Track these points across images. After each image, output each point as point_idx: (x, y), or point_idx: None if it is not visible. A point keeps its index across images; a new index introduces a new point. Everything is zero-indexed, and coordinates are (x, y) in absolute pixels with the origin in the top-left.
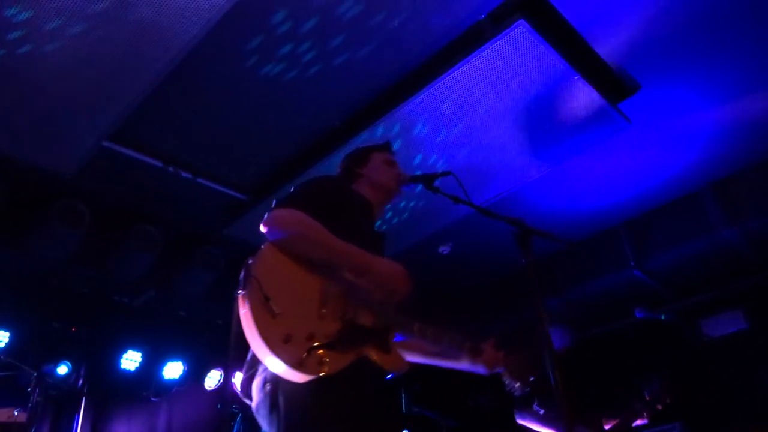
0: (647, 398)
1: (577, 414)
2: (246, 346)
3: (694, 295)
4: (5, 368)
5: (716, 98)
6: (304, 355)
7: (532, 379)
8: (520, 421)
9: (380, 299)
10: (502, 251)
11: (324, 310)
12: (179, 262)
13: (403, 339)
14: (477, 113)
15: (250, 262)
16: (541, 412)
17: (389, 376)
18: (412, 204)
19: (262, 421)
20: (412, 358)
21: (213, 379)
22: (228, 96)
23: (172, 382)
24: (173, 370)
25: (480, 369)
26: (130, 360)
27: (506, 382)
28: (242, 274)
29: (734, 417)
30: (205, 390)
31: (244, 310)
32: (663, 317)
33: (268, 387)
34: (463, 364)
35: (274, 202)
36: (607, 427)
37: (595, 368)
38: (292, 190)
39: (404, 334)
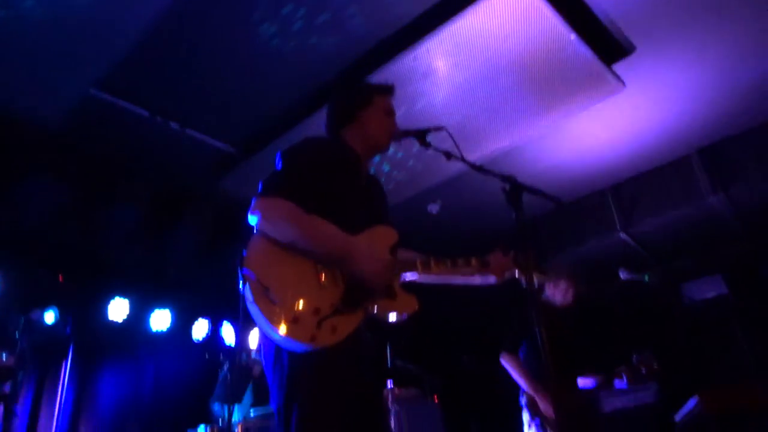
0: (634, 363)
1: (559, 371)
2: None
3: (677, 259)
4: None
5: (710, 64)
6: (315, 329)
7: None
8: (503, 362)
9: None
10: (490, 211)
11: (323, 280)
12: (167, 216)
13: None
14: (471, 71)
15: (244, 254)
16: (524, 361)
17: (403, 317)
18: (399, 163)
19: (266, 368)
20: (425, 280)
21: (201, 328)
22: (218, 48)
23: (160, 333)
24: (160, 320)
25: (491, 279)
26: (117, 310)
27: (546, 288)
28: (239, 270)
29: (710, 377)
30: (193, 341)
31: (250, 302)
32: (646, 279)
33: (271, 344)
34: (475, 279)
35: (260, 185)
36: (584, 385)
37: (576, 328)
38: (280, 163)
39: (410, 273)
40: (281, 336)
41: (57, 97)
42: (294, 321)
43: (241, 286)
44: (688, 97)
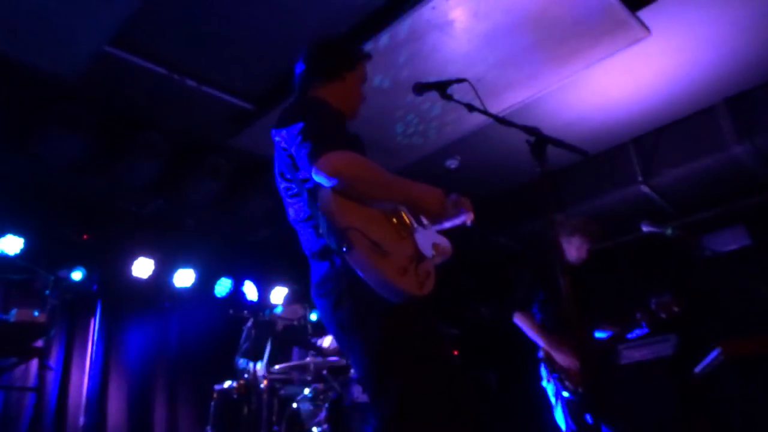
0: (653, 308)
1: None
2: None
3: (699, 211)
4: (22, 272)
5: (739, 8)
6: (422, 277)
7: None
8: (516, 321)
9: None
10: (508, 166)
11: (400, 232)
12: (186, 171)
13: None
14: (491, 20)
15: (336, 217)
16: (539, 316)
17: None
18: (420, 117)
19: (342, 332)
20: None
21: (223, 286)
22: (233, 3)
23: (184, 290)
24: (184, 278)
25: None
26: (142, 268)
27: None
28: (335, 239)
29: (732, 330)
30: (216, 297)
31: (362, 264)
32: (669, 232)
33: (351, 302)
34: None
35: (310, 145)
36: (603, 336)
37: (598, 281)
38: (312, 124)
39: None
40: (399, 291)
41: (72, 54)
42: (403, 272)
43: (344, 249)
44: (716, 43)
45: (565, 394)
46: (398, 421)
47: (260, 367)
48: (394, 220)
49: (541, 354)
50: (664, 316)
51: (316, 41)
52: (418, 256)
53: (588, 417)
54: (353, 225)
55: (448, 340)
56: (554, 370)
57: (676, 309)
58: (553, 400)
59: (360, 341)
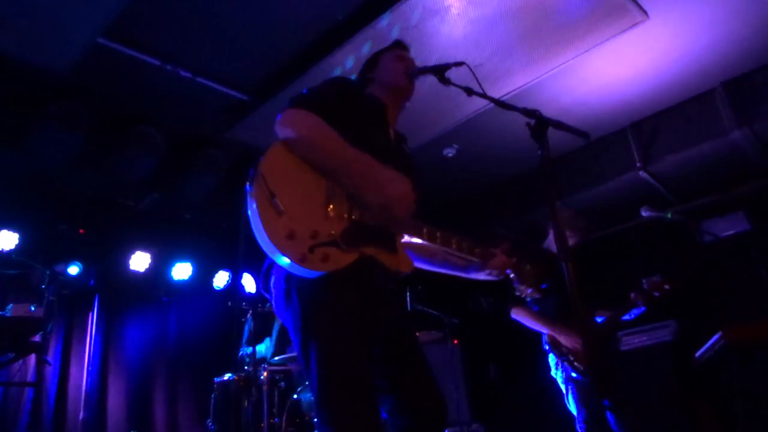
0: (645, 287)
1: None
2: (256, 247)
3: (698, 197)
4: (18, 267)
5: None
6: (306, 251)
7: (544, 286)
8: (514, 317)
9: (383, 210)
10: (507, 155)
11: (329, 210)
12: (182, 165)
13: (410, 242)
14: (488, 7)
15: (259, 158)
16: (536, 309)
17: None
18: (416, 106)
19: (280, 316)
20: (419, 263)
21: (221, 279)
22: None
23: (182, 283)
24: (182, 271)
25: (486, 275)
26: (139, 261)
27: (517, 287)
28: (251, 170)
29: (731, 315)
30: (214, 290)
31: (252, 207)
32: (668, 216)
33: (282, 284)
34: (471, 272)
35: (289, 100)
36: (599, 320)
37: (597, 268)
38: (307, 89)
39: (412, 236)
40: (274, 248)
41: (65, 46)
42: (290, 236)
43: (247, 185)
44: (715, 26)
45: (574, 374)
46: (318, 410)
47: (264, 348)
48: (332, 205)
49: (546, 344)
50: (657, 294)
51: None
52: (333, 240)
53: (606, 402)
54: (263, 170)
55: (395, 330)
56: (561, 353)
57: (667, 287)
58: (563, 387)
59: (289, 328)
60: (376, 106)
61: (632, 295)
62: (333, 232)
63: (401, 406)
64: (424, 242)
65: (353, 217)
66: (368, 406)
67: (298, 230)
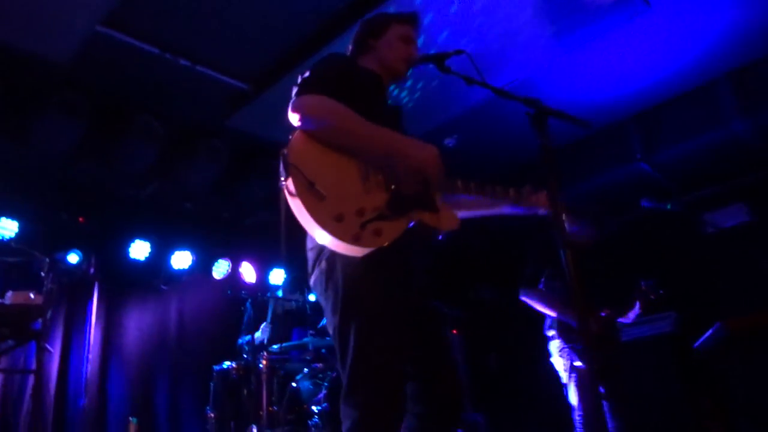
0: (643, 288)
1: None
2: (296, 237)
3: (699, 188)
4: (18, 255)
5: None
6: (359, 229)
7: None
8: (523, 298)
9: (415, 177)
10: (508, 146)
11: (368, 185)
12: (182, 154)
13: (449, 198)
14: None
15: (285, 152)
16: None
17: (441, 236)
18: (417, 95)
19: (319, 296)
20: (461, 214)
21: (221, 268)
22: None
23: (181, 272)
24: (181, 260)
25: (523, 209)
26: (139, 250)
27: (566, 224)
28: (281, 164)
29: (732, 306)
30: (214, 279)
31: (293, 198)
32: (669, 207)
33: (323, 264)
34: (507, 208)
35: (295, 88)
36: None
37: (597, 260)
38: (309, 72)
39: (449, 193)
40: (327, 234)
41: (64, 35)
42: (339, 219)
43: (282, 180)
44: (716, 15)
45: (578, 363)
46: (346, 391)
47: (260, 333)
48: (368, 178)
49: (549, 330)
50: (653, 298)
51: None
52: (380, 213)
53: (600, 389)
54: (294, 161)
55: (426, 307)
56: (569, 339)
57: (661, 292)
58: (564, 376)
59: (326, 306)
60: (373, 78)
61: (631, 297)
62: (378, 204)
63: (420, 394)
64: (461, 195)
65: (391, 186)
66: (396, 397)
67: (345, 211)
